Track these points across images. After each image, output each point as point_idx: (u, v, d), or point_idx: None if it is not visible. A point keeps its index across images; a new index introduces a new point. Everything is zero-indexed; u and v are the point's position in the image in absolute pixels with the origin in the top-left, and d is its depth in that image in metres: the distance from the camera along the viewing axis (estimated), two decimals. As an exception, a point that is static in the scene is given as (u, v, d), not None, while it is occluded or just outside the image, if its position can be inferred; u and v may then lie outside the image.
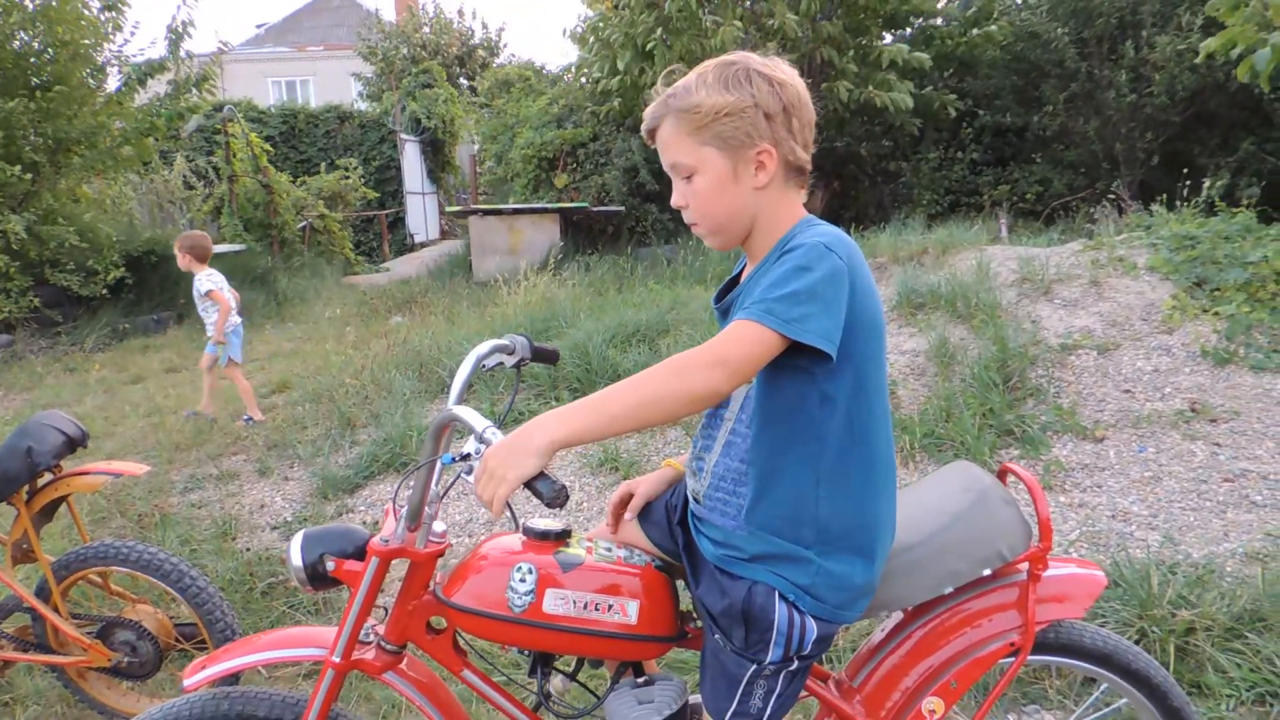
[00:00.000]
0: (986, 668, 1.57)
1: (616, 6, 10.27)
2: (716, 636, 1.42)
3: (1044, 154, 11.34)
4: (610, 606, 1.45)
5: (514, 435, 1.20)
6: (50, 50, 8.97)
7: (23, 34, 8.77)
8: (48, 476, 2.52)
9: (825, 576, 1.37)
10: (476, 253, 11.33)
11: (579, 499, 3.98)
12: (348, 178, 15.89)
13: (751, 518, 1.38)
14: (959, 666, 1.56)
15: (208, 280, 5.60)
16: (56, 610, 2.48)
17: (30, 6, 8.80)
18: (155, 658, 2.51)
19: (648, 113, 1.40)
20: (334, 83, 28.09)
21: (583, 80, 12.31)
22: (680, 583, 1.60)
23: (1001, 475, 1.69)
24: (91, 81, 9.54)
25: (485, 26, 28.98)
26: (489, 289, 9.28)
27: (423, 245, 18.81)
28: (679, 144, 1.36)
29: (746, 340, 1.21)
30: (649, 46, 9.62)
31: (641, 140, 1.56)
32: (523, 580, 1.44)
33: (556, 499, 1.17)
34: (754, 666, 1.38)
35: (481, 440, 1.30)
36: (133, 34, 10.44)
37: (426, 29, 25.83)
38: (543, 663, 1.57)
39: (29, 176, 8.58)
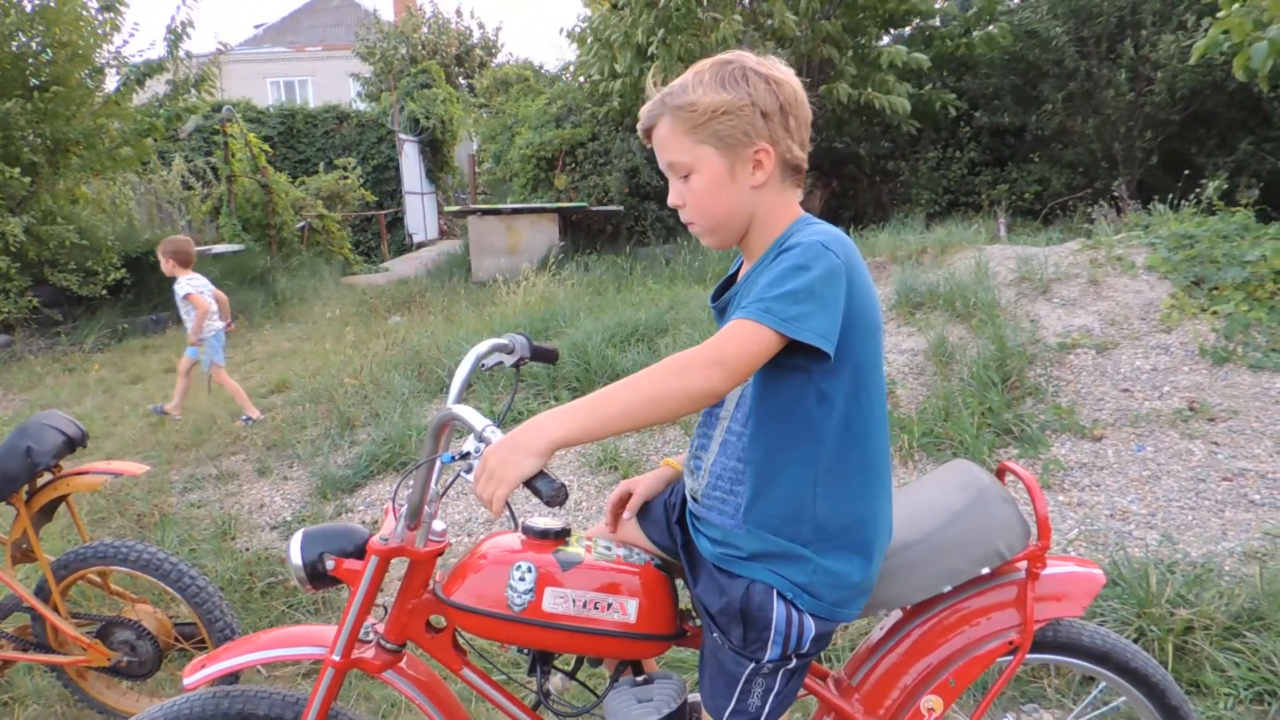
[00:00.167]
0: (985, 666, 1.57)
1: (616, 6, 10.27)
2: (715, 635, 1.42)
3: (1042, 153, 11.35)
4: (609, 605, 1.45)
5: (513, 434, 1.20)
6: (48, 51, 8.96)
7: (20, 35, 8.76)
8: (47, 476, 2.52)
9: (823, 575, 1.37)
10: (475, 252, 11.33)
11: (578, 498, 3.99)
12: (346, 178, 15.89)
13: (749, 516, 1.38)
14: (958, 665, 1.56)
15: (187, 284, 5.66)
16: (56, 610, 2.48)
17: (28, 7, 8.80)
18: (155, 657, 2.51)
19: (643, 111, 1.40)
20: (332, 83, 28.06)
21: (581, 80, 12.31)
22: (679, 581, 1.61)
23: (1000, 474, 1.69)
24: (90, 82, 9.53)
25: (482, 26, 28.98)
26: (488, 289, 9.28)
27: (421, 245, 18.80)
28: (676, 143, 1.36)
29: (744, 339, 1.21)
30: (649, 47, 9.62)
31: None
32: (522, 579, 1.45)
33: (556, 497, 1.17)
34: (752, 665, 1.38)
35: (481, 439, 1.30)
36: (132, 35, 10.45)
37: (425, 29, 25.82)
38: (542, 661, 1.57)
39: (28, 178, 8.58)
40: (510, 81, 19.32)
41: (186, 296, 5.63)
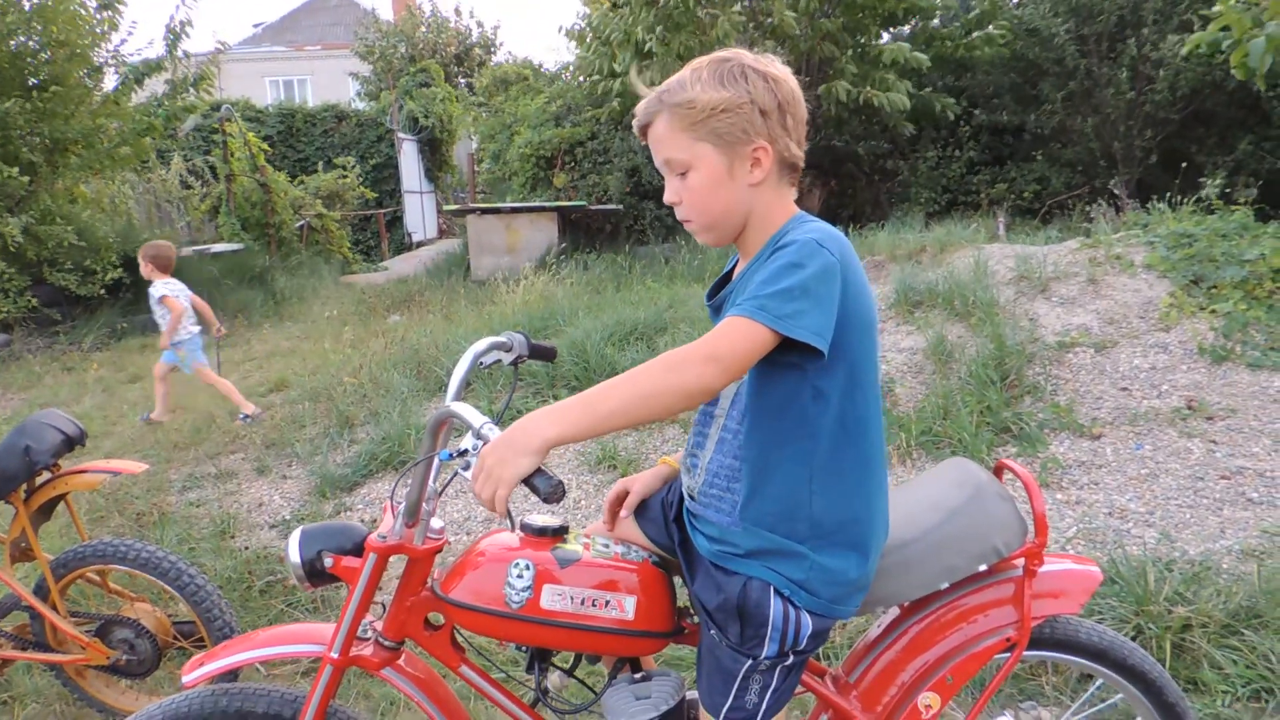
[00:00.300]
0: (982, 663, 1.58)
1: (616, 4, 10.26)
2: (712, 632, 1.42)
3: (1042, 152, 11.34)
4: (607, 602, 1.46)
5: (509, 432, 1.19)
6: (46, 50, 8.95)
7: (19, 34, 8.75)
8: (46, 475, 2.53)
9: (819, 571, 1.37)
10: (474, 251, 11.33)
11: (576, 496, 3.99)
12: (345, 177, 15.87)
13: (746, 513, 1.39)
14: (955, 662, 1.56)
15: (163, 287, 5.65)
16: (55, 608, 2.48)
17: (26, 6, 8.78)
18: (154, 656, 2.51)
19: (640, 109, 1.39)
20: (331, 82, 28.04)
21: (581, 80, 12.30)
22: (677, 579, 1.61)
23: (998, 472, 1.70)
24: (88, 81, 9.52)
25: (481, 25, 28.97)
26: (487, 287, 9.28)
27: (420, 244, 18.79)
28: (673, 140, 1.35)
29: (739, 336, 1.21)
30: (648, 46, 9.61)
31: (642, 139, 1.55)
32: (520, 576, 1.45)
33: (553, 495, 1.17)
34: (749, 661, 1.39)
35: (479, 436, 1.30)
36: (130, 34, 10.42)
37: (424, 28, 25.81)
38: (540, 659, 1.58)
39: (26, 178, 8.57)
40: (509, 80, 19.32)
41: (162, 299, 5.62)
